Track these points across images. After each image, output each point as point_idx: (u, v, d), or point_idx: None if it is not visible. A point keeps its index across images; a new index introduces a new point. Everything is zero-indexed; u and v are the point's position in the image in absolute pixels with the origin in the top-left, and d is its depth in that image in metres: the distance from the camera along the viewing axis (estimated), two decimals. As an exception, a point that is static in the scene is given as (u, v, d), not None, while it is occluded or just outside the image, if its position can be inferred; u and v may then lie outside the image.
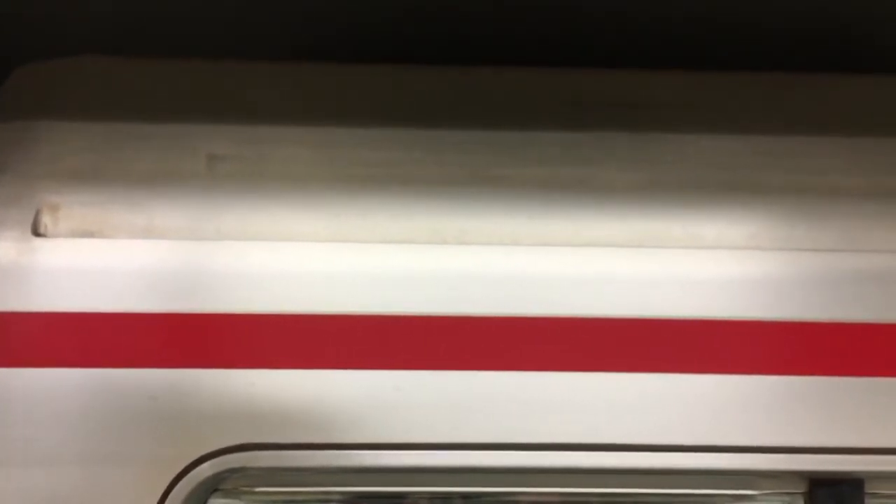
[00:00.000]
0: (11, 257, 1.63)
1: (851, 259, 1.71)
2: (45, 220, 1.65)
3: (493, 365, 1.65)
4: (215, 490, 1.64)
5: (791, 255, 1.71)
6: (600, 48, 1.88)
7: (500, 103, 1.79)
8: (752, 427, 1.66)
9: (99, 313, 1.62)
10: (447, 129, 1.75)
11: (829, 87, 1.86)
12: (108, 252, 1.64)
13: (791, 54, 1.92)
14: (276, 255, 1.66)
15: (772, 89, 1.83)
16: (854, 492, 1.68)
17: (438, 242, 1.69)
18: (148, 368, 1.61)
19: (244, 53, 1.81)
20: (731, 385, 1.66)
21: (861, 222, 1.73)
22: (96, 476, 1.60)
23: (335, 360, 1.63)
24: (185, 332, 1.63)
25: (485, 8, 1.79)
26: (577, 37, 1.87)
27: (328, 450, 1.63)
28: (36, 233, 1.64)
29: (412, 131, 1.74)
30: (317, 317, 1.64)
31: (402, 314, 1.65)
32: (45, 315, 1.62)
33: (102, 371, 1.61)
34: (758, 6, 1.82)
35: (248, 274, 1.65)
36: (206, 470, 1.60)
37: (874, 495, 1.71)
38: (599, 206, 1.73)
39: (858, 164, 1.77)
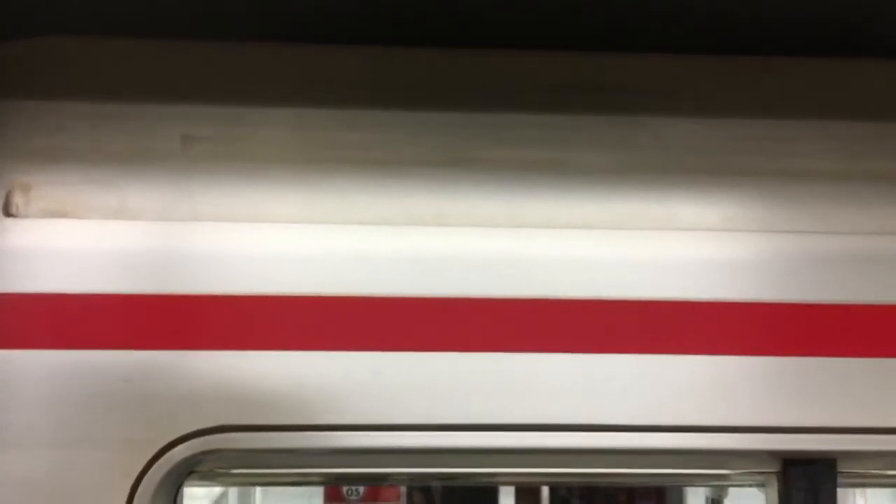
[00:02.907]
0: None
1: (826, 241, 1.73)
2: (17, 200, 1.63)
3: (470, 347, 1.65)
4: (191, 472, 1.64)
5: (767, 237, 1.73)
6: (578, 32, 1.87)
7: (478, 86, 1.78)
8: (726, 407, 1.67)
9: (72, 294, 1.60)
10: (424, 111, 1.74)
11: (806, 71, 1.87)
12: (81, 232, 1.62)
13: (773, 39, 1.92)
14: (251, 236, 1.65)
15: (749, 74, 1.84)
16: (826, 471, 1.70)
17: (415, 224, 1.68)
18: (122, 350, 1.60)
19: (219, 34, 1.79)
20: (706, 366, 1.68)
21: (836, 205, 1.75)
22: (70, 459, 1.59)
23: (312, 341, 1.63)
24: (160, 313, 1.62)
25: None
26: (555, 20, 1.86)
27: (305, 431, 1.62)
28: (7, 213, 1.62)
29: (389, 113, 1.73)
30: (293, 298, 1.64)
31: (380, 296, 1.65)
32: (17, 296, 1.60)
33: (75, 353, 1.60)
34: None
35: (223, 255, 1.64)
36: (181, 452, 1.59)
37: (846, 474, 1.74)
38: (577, 189, 1.74)
39: (834, 147, 1.79)
